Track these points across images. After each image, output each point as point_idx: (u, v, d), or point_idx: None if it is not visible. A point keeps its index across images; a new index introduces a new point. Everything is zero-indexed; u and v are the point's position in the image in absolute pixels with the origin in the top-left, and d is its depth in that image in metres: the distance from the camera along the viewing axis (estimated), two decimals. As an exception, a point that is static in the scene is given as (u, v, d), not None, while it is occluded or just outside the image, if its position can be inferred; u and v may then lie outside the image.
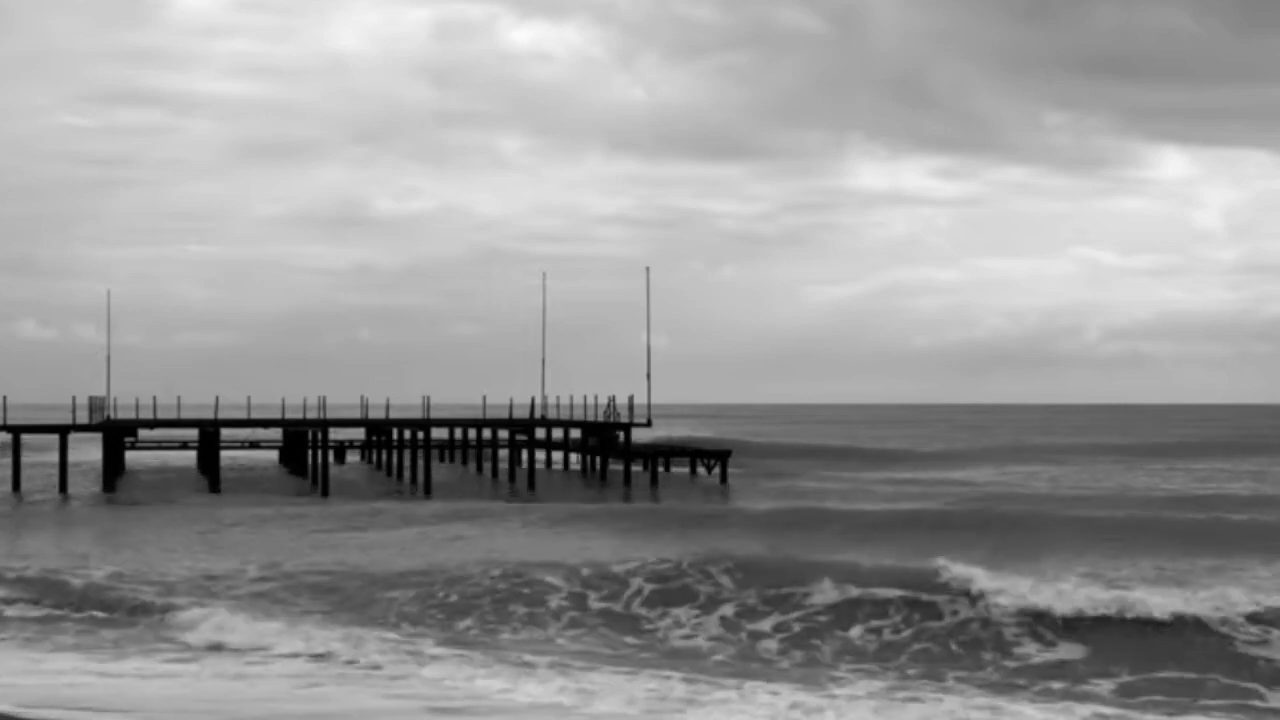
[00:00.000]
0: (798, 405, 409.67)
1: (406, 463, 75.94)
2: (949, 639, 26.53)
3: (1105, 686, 23.20)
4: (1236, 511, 52.35)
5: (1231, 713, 21.64)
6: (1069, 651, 25.20)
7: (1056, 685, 23.28)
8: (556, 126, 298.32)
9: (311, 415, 77.48)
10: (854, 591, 28.80)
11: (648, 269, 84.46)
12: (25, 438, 68.84)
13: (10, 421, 68.45)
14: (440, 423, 79.77)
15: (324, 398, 78.84)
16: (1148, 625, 25.70)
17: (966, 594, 27.90)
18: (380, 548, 42.34)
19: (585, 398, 77.87)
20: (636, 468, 74.88)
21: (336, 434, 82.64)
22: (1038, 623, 26.31)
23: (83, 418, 71.46)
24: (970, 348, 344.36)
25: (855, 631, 27.29)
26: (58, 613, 29.90)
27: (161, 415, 77.84)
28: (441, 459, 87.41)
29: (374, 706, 20.65)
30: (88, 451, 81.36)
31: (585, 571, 31.55)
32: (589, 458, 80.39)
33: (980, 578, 28.05)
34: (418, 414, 77.56)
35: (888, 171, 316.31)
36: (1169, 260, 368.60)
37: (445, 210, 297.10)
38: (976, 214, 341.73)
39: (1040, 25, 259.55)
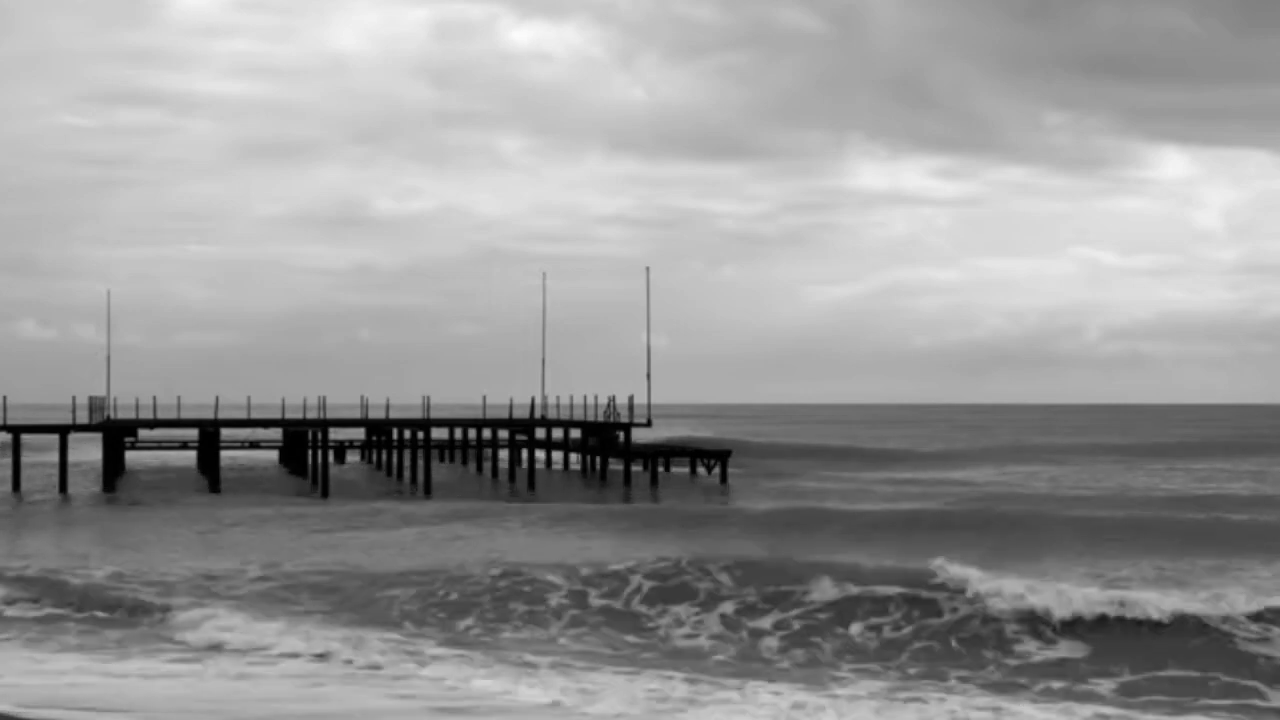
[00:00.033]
0: (798, 405, 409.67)
1: (406, 463, 75.93)
2: (949, 636, 26.52)
3: (1107, 685, 23.19)
4: (1236, 511, 52.37)
5: (1233, 712, 21.64)
6: (1070, 651, 25.20)
7: (1058, 684, 23.28)
8: (556, 126, 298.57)
9: (311, 415, 77.48)
10: (853, 589, 28.78)
11: (648, 269, 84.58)
12: (25, 438, 68.83)
13: (10, 421, 68.44)
14: (440, 423, 79.76)
15: (324, 398, 78.97)
16: (1148, 625, 25.69)
17: (963, 594, 27.87)
18: (380, 548, 42.35)
19: (585, 398, 78.00)
20: (636, 468, 74.88)
21: (336, 434, 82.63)
22: (1037, 623, 26.29)
23: (83, 418, 71.46)
24: (970, 348, 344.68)
25: (855, 628, 27.27)
26: (58, 613, 29.88)
27: (161, 415, 77.85)
28: (441, 459, 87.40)
29: (377, 707, 20.65)
30: (88, 451, 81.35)
31: (585, 570, 31.53)
32: (589, 458, 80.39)
33: (975, 579, 27.97)
34: (418, 414, 77.55)
35: (888, 171, 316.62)
36: (1169, 260, 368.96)
37: (445, 210, 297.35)
38: (976, 214, 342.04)
39: (1040, 25, 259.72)
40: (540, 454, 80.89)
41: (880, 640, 26.75)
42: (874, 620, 27.55)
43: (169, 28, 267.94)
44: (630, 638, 27.65)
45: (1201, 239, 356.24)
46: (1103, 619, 25.95)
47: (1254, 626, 25.02)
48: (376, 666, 24.05)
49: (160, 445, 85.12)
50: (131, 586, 32.04)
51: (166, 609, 29.44)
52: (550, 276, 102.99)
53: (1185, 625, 25.48)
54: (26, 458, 69.43)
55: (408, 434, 76.68)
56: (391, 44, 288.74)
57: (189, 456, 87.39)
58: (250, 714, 20.03)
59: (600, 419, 76.23)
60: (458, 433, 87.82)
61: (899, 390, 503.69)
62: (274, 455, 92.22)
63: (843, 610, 28.04)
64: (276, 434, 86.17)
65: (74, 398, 72.14)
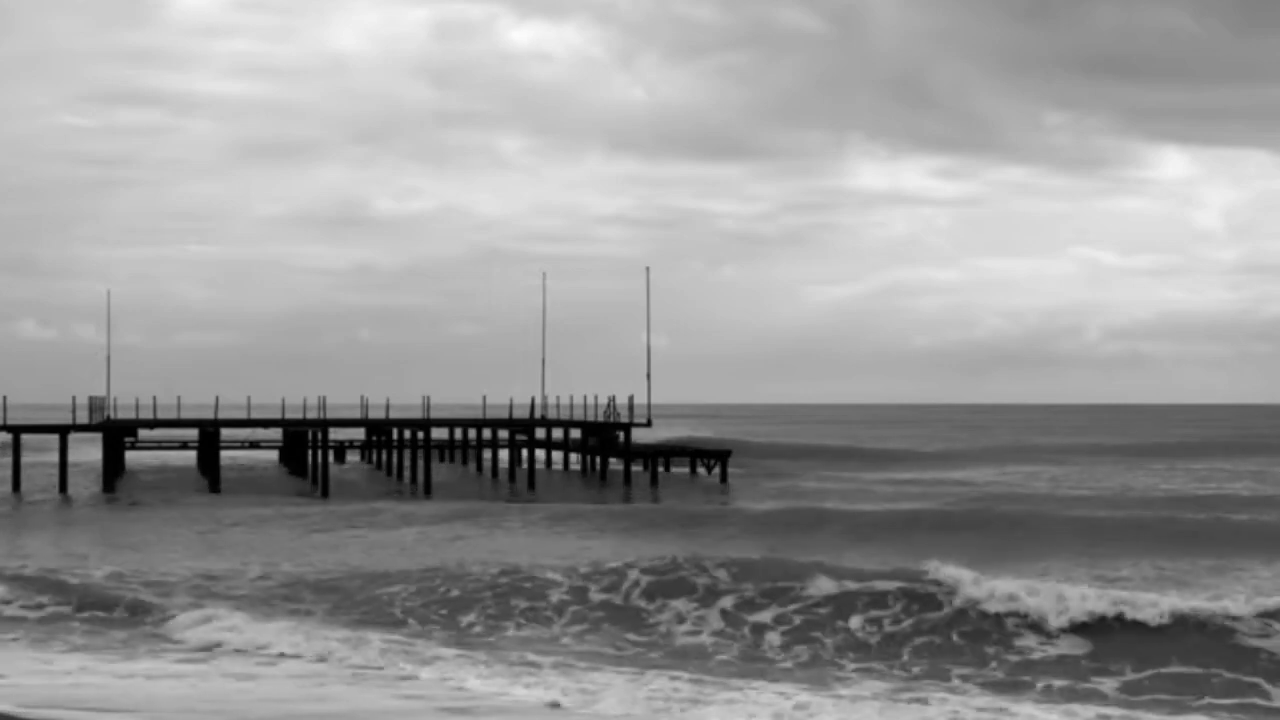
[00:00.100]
0: (798, 405, 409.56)
1: (406, 463, 75.93)
2: (950, 630, 26.51)
3: (1109, 684, 23.18)
4: (1236, 511, 52.40)
5: (1235, 712, 21.64)
6: (1071, 648, 25.17)
7: (1060, 683, 23.26)
8: (556, 126, 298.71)
9: (311, 415, 77.49)
10: (852, 585, 28.78)
11: (648, 269, 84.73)
12: (25, 438, 68.83)
13: (10, 421, 68.45)
14: (440, 423, 79.76)
15: (324, 398, 79.00)
16: (1148, 626, 25.66)
17: (956, 595, 27.82)
18: (381, 548, 42.38)
19: (585, 398, 78.06)
20: (636, 468, 74.89)
21: (336, 434, 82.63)
22: (1037, 623, 26.27)
23: (83, 418, 71.48)
24: (970, 348, 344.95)
25: (855, 621, 27.27)
26: (59, 613, 29.86)
27: (161, 415, 77.85)
28: (441, 459, 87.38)
29: (381, 706, 20.64)
30: (88, 451, 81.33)
31: (584, 569, 31.54)
32: (589, 458, 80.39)
33: (968, 580, 27.89)
34: (418, 414, 77.55)
35: (888, 171, 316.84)
36: (1169, 260, 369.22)
37: (445, 210, 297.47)
38: (976, 214, 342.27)
39: (1040, 25, 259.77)
40: (540, 454, 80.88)
41: (881, 634, 26.75)
42: (874, 613, 27.54)
43: (169, 28, 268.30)
44: (632, 635, 27.64)
45: (1201, 239, 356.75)
46: (1102, 619, 25.92)
47: (1255, 626, 25.00)
48: (379, 666, 24.04)
49: (160, 445, 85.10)
50: (131, 586, 32.01)
51: (167, 609, 29.41)
52: (550, 276, 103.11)
53: (1186, 626, 25.45)
54: (26, 458, 69.44)
55: (408, 434, 76.67)
56: (391, 44, 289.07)
57: (189, 456, 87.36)
58: (255, 714, 20.01)
59: (600, 419, 76.24)
60: (458, 433, 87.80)
61: (899, 390, 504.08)
62: (274, 455, 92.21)
63: (841, 604, 28.04)
64: (276, 434, 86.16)
65: (74, 398, 72.32)
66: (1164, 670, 23.67)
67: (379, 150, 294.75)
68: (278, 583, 32.93)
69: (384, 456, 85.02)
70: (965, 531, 44.61)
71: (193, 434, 79.84)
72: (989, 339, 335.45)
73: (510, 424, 77.68)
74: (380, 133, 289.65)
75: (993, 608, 26.78)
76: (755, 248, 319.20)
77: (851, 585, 28.65)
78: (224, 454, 75.87)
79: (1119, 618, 25.85)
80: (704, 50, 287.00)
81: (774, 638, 27.02)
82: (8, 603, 30.58)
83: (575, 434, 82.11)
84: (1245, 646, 24.36)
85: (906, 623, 27.07)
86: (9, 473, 68.21)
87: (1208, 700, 22.18)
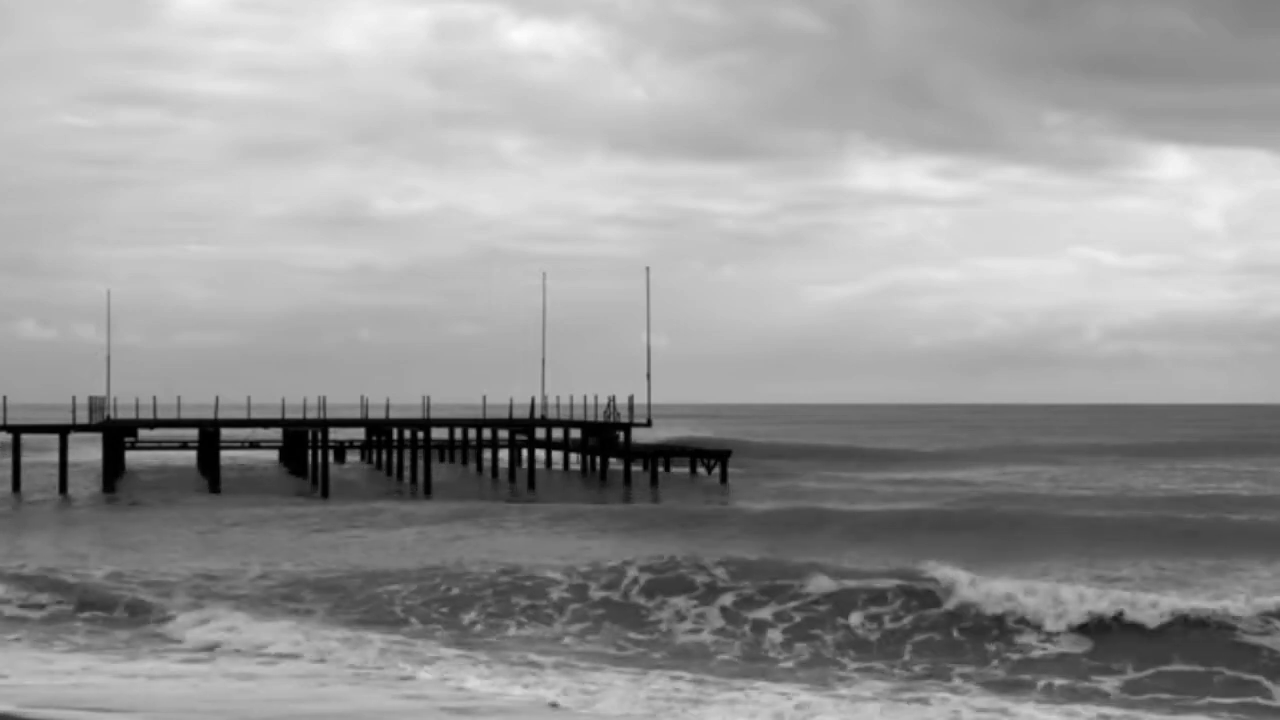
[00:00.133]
0: (798, 405, 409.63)
1: (406, 463, 75.94)
2: (950, 626, 26.53)
3: (1110, 683, 23.18)
4: (1236, 511, 52.41)
5: (1237, 710, 21.65)
6: (1071, 649, 25.16)
7: (1060, 682, 23.26)
8: (556, 126, 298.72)
9: (311, 415, 77.50)
10: (851, 584, 28.80)
11: (648, 269, 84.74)
12: (25, 438, 68.83)
13: (10, 421, 68.45)
14: (440, 423, 79.77)
15: (324, 398, 79.01)
16: (1148, 626, 25.66)
17: (954, 596, 27.83)
18: (381, 547, 42.38)
19: (585, 398, 78.08)
20: (636, 468, 74.91)
21: (336, 434, 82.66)
22: (1036, 624, 26.26)
23: (83, 418, 71.48)
24: (970, 348, 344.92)
25: (855, 618, 27.29)
26: (59, 613, 29.86)
27: (161, 415, 77.85)
28: (441, 459, 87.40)
29: (383, 706, 20.63)
30: (88, 451, 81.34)
31: (584, 568, 31.56)
32: (589, 458, 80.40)
33: (964, 582, 27.88)
34: (418, 414, 77.56)
35: (888, 171, 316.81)
36: (1169, 260, 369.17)
37: (445, 210, 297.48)
38: (976, 214, 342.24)
39: (1040, 25, 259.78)
40: (540, 454, 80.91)
41: (881, 631, 26.76)
42: (873, 609, 27.56)
43: (169, 28, 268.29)
44: (633, 633, 27.65)
45: (1201, 239, 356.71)
46: (1102, 619, 25.91)
47: (1255, 626, 25.01)
48: (380, 666, 24.04)
49: (160, 445, 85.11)
50: (131, 586, 32.00)
51: (167, 609, 29.40)
52: (550, 276, 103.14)
53: (1186, 626, 25.45)
54: (26, 458, 69.44)
55: (408, 434, 76.68)
56: (391, 44, 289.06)
57: (189, 456, 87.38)
58: (257, 714, 20.01)
59: (600, 419, 76.25)
60: (458, 433, 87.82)
61: (899, 390, 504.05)
62: (274, 455, 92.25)
63: (840, 601, 28.06)
64: (276, 434, 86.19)
65: (74, 398, 72.33)
66: (1165, 668, 23.69)
67: (379, 150, 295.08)
68: (278, 582, 32.92)
69: (384, 456, 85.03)
70: (965, 531, 44.62)
71: (193, 434, 79.85)
72: (989, 339, 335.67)
73: (510, 424, 77.70)
74: (380, 133, 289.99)
75: (990, 610, 26.79)
76: (755, 248, 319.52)
77: (850, 583, 28.69)
78: (224, 454, 75.87)
79: (1118, 617, 25.85)
80: (704, 50, 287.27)
81: (775, 635, 27.04)
82: (7, 602, 30.59)
83: (575, 434, 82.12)
84: (1246, 644, 24.37)
85: (906, 619, 27.10)
86: (9, 473, 68.22)
87: (1209, 699, 22.19)
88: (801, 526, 47.01)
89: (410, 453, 75.13)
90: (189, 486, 72.64)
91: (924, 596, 27.73)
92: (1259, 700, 22.28)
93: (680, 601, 29.06)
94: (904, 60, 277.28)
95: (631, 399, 73.95)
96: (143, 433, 79.96)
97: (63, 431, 68.82)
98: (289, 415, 78.28)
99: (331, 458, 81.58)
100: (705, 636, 27.39)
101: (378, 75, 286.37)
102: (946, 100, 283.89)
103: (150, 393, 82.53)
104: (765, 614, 28.04)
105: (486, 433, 79.77)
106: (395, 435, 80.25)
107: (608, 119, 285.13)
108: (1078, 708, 21.47)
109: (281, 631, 26.91)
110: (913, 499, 63.24)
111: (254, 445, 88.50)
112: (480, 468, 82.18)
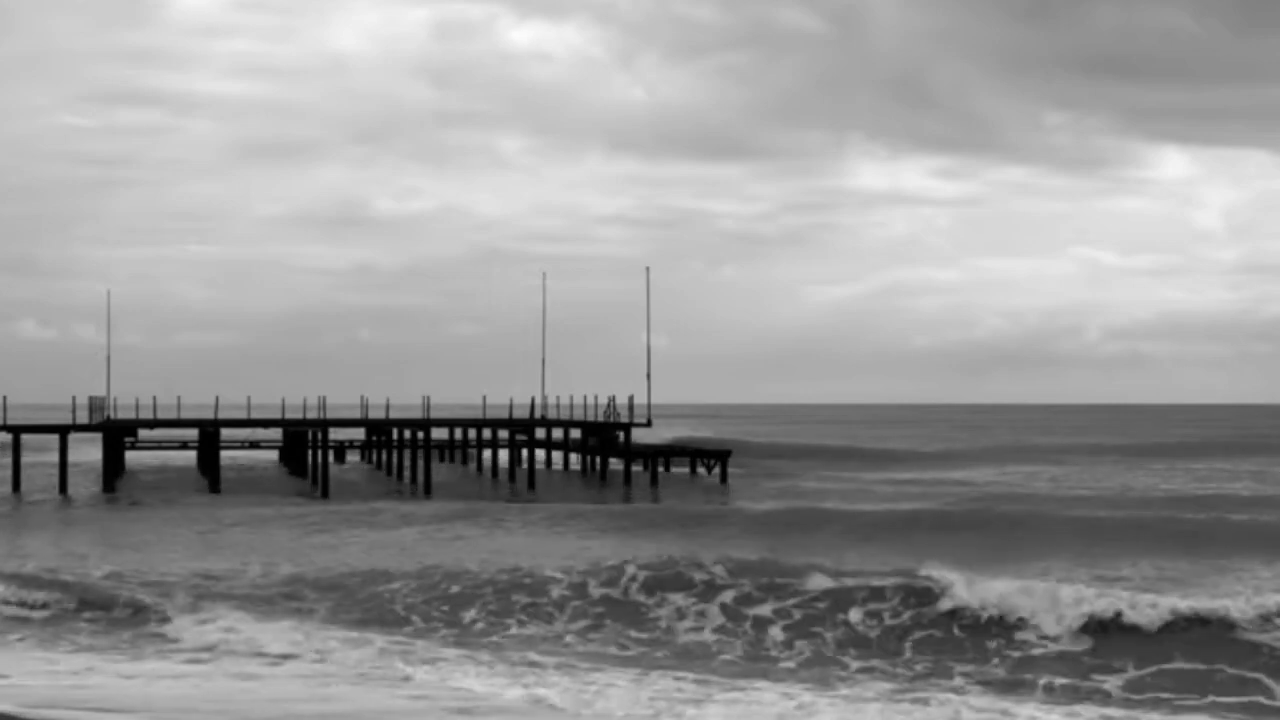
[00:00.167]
0: (798, 405, 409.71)
1: (406, 463, 75.94)
2: (950, 624, 26.53)
3: (1112, 682, 23.19)
4: (1236, 511, 52.36)
5: (1237, 710, 21.65)
6: (1072, 648, 25.17)
7: (1062, 681, 23.26)
8: (556, 126, 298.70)
9: (311, 415, 77.49)
10: (850, 582, 28.80)
11: (648, 269, 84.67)
12: (25, 438, 68.81)
13: (10, 421, 68.42)
14: (440, 423, 79.77)
15: (324, 398, 78.98)
16: (1148, 626, 25.66)
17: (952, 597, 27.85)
18: (381, 547, 42.34)
19: (585, 398, 78.05)
20: (636, 468, 74.90)
21: (336, 434, 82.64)
22: (1037, 623, 26.26)
23: (83, 418, 71.46)
24: (970, 348, 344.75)
25: (855, 615, 27.30)
26: (59, 613, 29.86)
27: (161, 415, 77.85)
28: (441, 459, 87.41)
29: (384, 706, 20.63)
30: (88, 451, 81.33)
31: (583, 567, 31.56)
32: (589, 458, 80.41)
33: (961, 583, 27.87)
34: (418, 414, 77.56)
35: (888, 171, 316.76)
36: (1169, 260, 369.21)
37: (445, 210, 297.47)
38: (976, 214, 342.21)
39: (1040, 25, 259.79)
40: (540, 454, 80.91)
41: (881, 628, 26.77)
42: (873, 606, 27.57)
43: (169, 28, 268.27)
44: (634, 632, 27.65)
45: (1201, 239, 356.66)
46: (1102, 620, 25.92)
47: (1256, 625, 25.01)
48: (380, 666, 24.05)
49: (160, 445, 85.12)
50: (131, 586, 31.98)
51: (167, 609, 29.40)
52: (550, 276, 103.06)
53: (1186, 626, 25.46)
54: (26, 458, 69.42)
55: (408, 434, 76.70)
56: (391, 44, 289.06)
57: (189, 456, 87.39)
58: (258, 714, 20.01)
59: (600, 419, 76.25)
60: (458, 433, 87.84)
61: (899, 390, 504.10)
62: (274, 455, 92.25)
63: (839, 599, 28.06)
64: (276, 434, 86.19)
65: (74, 398, 72.27)
66: (1166, 667, 23.70)
67: (379, 150, 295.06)
68: (278, 582, 32.92)
69: (384, 456, 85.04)
70: (965, 531, 44.57)
71: (193, 434, 79.85)
72: (989, 339, 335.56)
73: (510, 424, 77.70)
74: (380, 133, 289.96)
75: (990, 609, 26.79)
76: (755, 248, 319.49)
77: (850, 582, 28.73)
78: (224, 454, 75.86)
79: (1118, 617, 25.86)
80: (704, 50, 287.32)
81: (775, 633, 27.06)
82: (8, 603, 30.59)
83: (575, 434, 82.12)
84: (1246, 643, 24.39)
85: (905, 615, 27.12)
86: (9, 473, 68.19)
87: (1211, 698, 22.20)
88: (801, 527, 46.97)
89: (410, 453, 75.13)
90: (189, 486, 72.62)
91: (923, 594, 27.76)
92: (1261, 699, 22.29)
93: (680, 599, 29.09)
94: (904, 60, 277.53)
95: (631, 399, 74.04)
96: (143, 433, 79.97)
97: (63, 431, 68.82)
98: (289, 415, 78.28)
99: (331, 458, 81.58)
100: (706, 635, 27.41)
101: (378, 75, 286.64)
102: (946, 100, 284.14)
103: (150, 393, 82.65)
104: (765, 610, 28.07)
105: (486, 433, 79.76)
106: (395, 435, 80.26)
107: (608, 119, 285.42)
108: (1079, 707, 21.48)
109: (282, 631, 26.92)
110: (913, 499, 63.21)
111: (254, 445, 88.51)
112: (480, 468, 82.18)
